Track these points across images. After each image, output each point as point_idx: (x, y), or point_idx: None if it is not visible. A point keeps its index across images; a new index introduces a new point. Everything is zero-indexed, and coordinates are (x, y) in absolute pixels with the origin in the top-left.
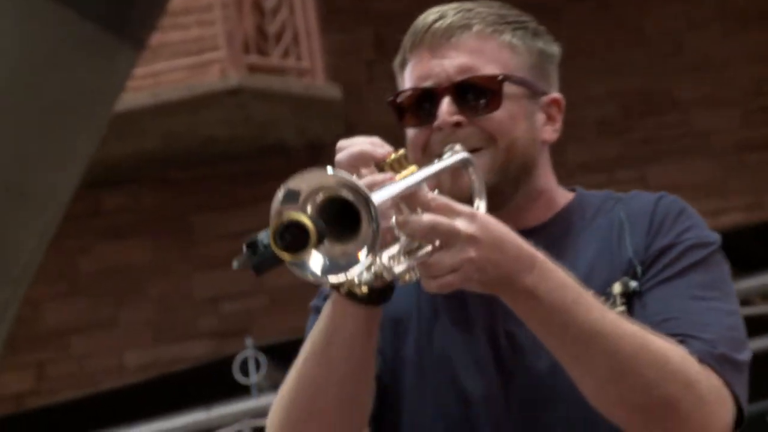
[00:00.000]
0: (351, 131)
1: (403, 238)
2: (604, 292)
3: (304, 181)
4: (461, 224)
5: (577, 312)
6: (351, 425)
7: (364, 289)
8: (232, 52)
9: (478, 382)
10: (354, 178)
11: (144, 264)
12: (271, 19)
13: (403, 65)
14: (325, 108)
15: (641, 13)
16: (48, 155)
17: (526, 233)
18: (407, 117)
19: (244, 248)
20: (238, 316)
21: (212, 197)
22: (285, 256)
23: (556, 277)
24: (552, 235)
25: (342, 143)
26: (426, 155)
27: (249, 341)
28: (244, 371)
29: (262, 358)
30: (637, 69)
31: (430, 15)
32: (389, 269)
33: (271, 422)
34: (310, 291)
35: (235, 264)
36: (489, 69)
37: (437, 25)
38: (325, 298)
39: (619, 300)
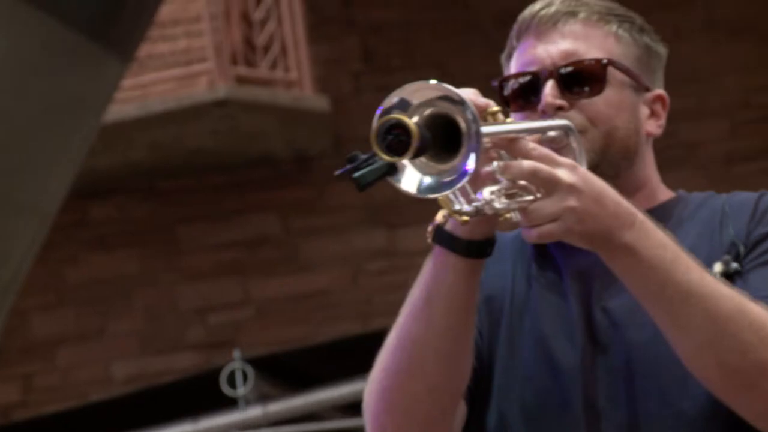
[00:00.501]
0: (338, 142)
1: (504, 182)
2: None
3: (416, 93)
4: (562, 173)
5: (676, 271)
6: (450, 386)
7: (465, 218)
8: (220, 63)
9: (570, 353)
10: (467, 99)
11: (131, 275)
12: (259, 31)
13: (509, 56)
14: (313, 119)
15: None
16: (36, 164)
17: None
18: (512, 102)
19: (347, 162)
20: (226, 328)
21: (199, 208)
22: (385, 157)
23: (656, 236)
24: (653, 220)
25: None
26: None
27: (237, 353)
28: (232, 383)
29: (250, 370)
30: None
31: (536, 4)
32: (490, 203)
33: (371, 389)
34: (298, 303)
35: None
36: (593, 54)
37: (543, 12)
38: None
39: (719, 279)
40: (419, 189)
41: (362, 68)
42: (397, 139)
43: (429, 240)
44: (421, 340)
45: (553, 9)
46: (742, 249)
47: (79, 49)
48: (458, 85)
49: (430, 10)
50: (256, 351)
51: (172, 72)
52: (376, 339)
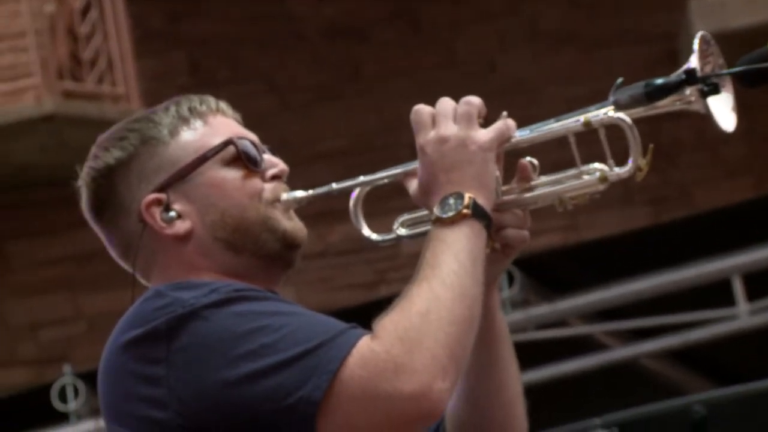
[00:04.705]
0: None
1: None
2: None
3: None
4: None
5: None
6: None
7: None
8: (46, 78)
9: None
10: None
11: None
12: (86, 45)
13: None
14: None
15: (453, 34)
16: None
17: None
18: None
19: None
20: (57, 343)
21: (28, 224)
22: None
23: None
24: None
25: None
26: None
27: (67, 368)
28: (63, 398)
29: (81, 385)
30: (449, 90)
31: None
32: None
33: (436, 336)
34: None
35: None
36: None
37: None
38: None
39: None
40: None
41: (189, 82)
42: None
43: (465, 211)
44: (477, 298)
45: None
46: None
47: None
48: (284, 98)
49: (256, 24)
50: (87, 365)
51: None
52: None
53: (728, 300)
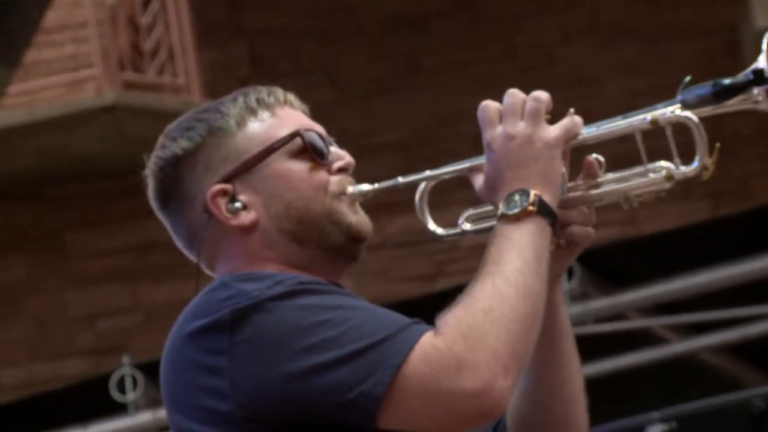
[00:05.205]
0: None
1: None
2: None
3: None
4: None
5: None
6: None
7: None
8: (107, 69)
9: None
10: None
11: (18, 281)
12: (147, 36)
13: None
14: None
15: (514, 27)
16: None
17: None
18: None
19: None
20: (115, 334)
21: (87, 214)
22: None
23: None
24: None
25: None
26: None
27: (126, 359)
28: (121, 389)
29: (140, 376)
30: (509, 83)
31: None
32: None
33: (498, 333)
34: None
35: (686, 97)
36: None
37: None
38: None
39: None
40: None
41: (250, 73)
42: None
43: (531, 208)
44: (540, 296)
45: None
46: None
47: None
48: (344, 90)
49: (317, 16)
50: (145, 356)
51: (59, 78)
52: None
53: None
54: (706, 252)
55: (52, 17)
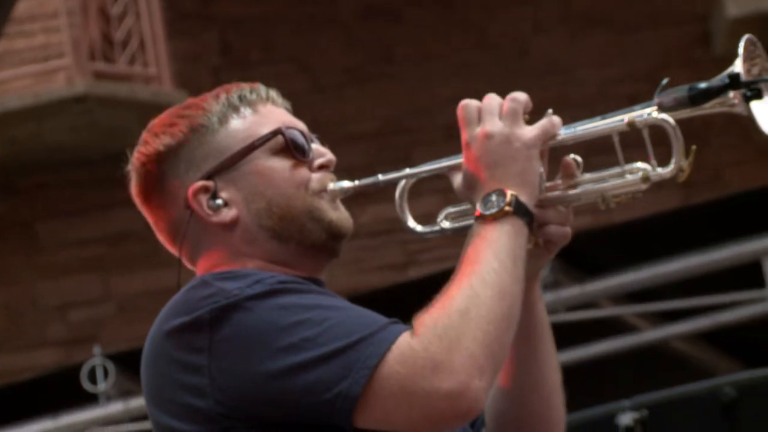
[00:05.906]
0: None
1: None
2: None
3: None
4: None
5: None
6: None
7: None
8: (78, 59)
9: None
10: None
11: None
12: (117, 26)
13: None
14: None
15: (487, 16)
16: None
17: None
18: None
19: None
20: (86, 324)
21: (58, 204)
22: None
23: None
24: None
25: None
26: None
27: (97, 349)
28: (92, 379)
29: (110, 366)
30: (483, 72)
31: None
32: None
33: (474, 335)
34: (160, 299)
35: (663, 100)
36: None
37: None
38: None
39: None
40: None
41: (221, 63)
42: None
43: (507, 208)
44: (517, 296)
45: None
46: None
47: None
48: (317, 79)
49: (289, 5)
50: (117, 347)
51: (30, 68)
52: None
53: (758, 282)
54: (678, 240)
55: (22, 7)
